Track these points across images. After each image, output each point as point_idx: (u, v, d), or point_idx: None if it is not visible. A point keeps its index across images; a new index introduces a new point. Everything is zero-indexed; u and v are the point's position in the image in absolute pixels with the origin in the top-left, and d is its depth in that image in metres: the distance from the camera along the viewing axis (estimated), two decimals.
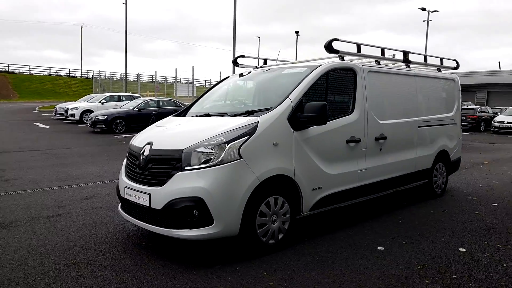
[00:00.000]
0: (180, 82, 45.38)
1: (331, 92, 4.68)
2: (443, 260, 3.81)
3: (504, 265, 3.68)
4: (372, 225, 4.91)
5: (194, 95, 38.68)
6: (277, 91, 4.59)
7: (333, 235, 4.54)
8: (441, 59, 6.69)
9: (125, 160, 4.59)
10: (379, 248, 4.13)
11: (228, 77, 5.82)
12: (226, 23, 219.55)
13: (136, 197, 3.99)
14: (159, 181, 3.81)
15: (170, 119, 4.97)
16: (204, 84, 50.77)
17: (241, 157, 3.70)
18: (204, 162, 3.68)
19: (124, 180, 4.28)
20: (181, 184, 3.65)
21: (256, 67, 6.08)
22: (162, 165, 3.87)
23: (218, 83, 5.77)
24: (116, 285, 3.32)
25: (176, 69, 49.52)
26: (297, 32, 43.23)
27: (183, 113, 5.20)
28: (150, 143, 4.06)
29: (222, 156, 3.66)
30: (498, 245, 4.18)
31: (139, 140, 4.41)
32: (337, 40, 4.76)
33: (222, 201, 3.59)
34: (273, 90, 4.80)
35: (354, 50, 5.00)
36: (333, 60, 4.93)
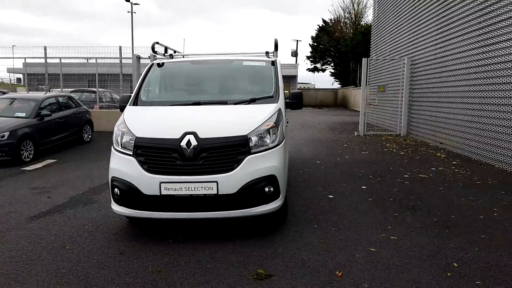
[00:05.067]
0: None
1: None
2: (369, 194, 5.90)
3: (395, 189, 6.17)
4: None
5: None
6: (257, 81, 5.27)
7: None
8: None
9: (124, 156, 4.09)
10: (329, 196, 5.78)
11: (153, 65, 5.60)
12: None
13: (191, 189, 3.88)
14: (226, 168, 3.94)
15: (149, 109, 4.68)
16: None
17: (284, 137, 4.42)
18: (263, 144, 4.13)
19: (151, 176, 3.93)
20: (255, 166, 3.99)
21: (164, 55, 6.13)
22: (225, 152, 3.97)
23: (146, 73, 5.43)
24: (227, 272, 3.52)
25: None
26: None
27: (135, 102, 4.91)
28: (192, 133, 3.98)
29: (278, 137, 4.26)
30: (372, 181, 6.70)
31: (160, 132, 4.08)
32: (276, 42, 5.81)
33: (283, 176, 4.24)
34: (251, 80, 5.36)
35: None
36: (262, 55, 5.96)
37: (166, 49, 6.22)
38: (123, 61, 15.23)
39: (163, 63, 5.61)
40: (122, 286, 3.20)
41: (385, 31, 16.76)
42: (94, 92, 15.13)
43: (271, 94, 4.88)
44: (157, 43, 5.95)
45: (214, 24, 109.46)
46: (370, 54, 19.48)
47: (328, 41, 44.92)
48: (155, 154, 4.00)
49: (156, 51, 5.89)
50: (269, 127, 4.21)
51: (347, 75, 41.50)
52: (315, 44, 46.86)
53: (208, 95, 5.11)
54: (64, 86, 14.86)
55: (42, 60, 15.04)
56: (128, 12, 34.87)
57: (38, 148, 9.17)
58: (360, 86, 34.62)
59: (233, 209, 3.96)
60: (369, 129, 14.34)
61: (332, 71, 47.94)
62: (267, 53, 5.96)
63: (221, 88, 5.27)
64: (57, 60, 14.50)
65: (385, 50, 16.71)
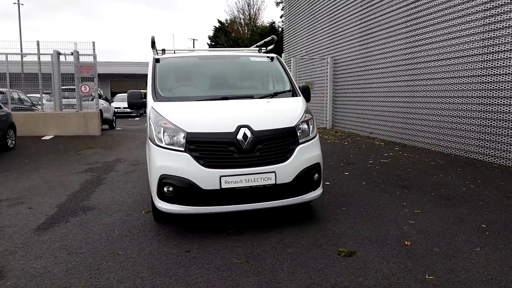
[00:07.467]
0: None
1: None
2: (359, 179, 6.51)
3: (375, 173, 6.88)
4: None
5: None
6: (269, 76, 5.42)
7: None
8: None
9: (173, 152, 3.97)
10: (327, 183, 6.23)
11: (157, 60, 5.27)
12: None
13: (251, 180, 3.95)
14: (282, 158, 4.10)
15: (182, 104, 4.48)
16: None
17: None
18: (306, 135, 4.38)
19: (210, 170, 3.90)
20: (306, 155, 4.23)
21: (162, 51, 5.78)
22: (279, 143, 4.11)
23: (154, 68, 5.12)
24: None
25: None
26: None
27: (156, 98, 4.64)
28: (246, 126, 4.04)
29: (315, 128, 4.56)
30: (348, 168, 7.34)
31: (213, 126, 4.03)
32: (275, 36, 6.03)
33: (322, 164, 4.56)
34: (263, 75, 5.45)
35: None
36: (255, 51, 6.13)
37: (153, 43, 5.93)
38: (27, 58, 13.65)
39: (167, 58, 5.36)
40: (227, 279, 3.16)
41: (300, 32, 17.93)
42: (1, 92, 13.29)
43: (289, 89, 5.12)
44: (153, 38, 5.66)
45: (85, 20, 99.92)
46: (283, 53, 20.59)
47: (226, 40, 45.77)
48: (211, 148, 3.95)
49: (155, 47, 5.60)
50: (307, 118, 4.47)
51: None
52: (213, 43, 47.28)
53: (230, 90, 5.10)
54: None
55: None
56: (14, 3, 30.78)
57: None
58: None
59: (289, 197, 4.13)
60: None
61: None
62: (259, 49, 6.14)
63: (241, 83, 5.31)
64: None
65: (300, 50, 17.88)
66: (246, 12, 49.30)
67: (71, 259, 3.62)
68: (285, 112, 4.50)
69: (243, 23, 48.07)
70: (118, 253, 3.74)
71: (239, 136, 3.97)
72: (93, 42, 12.57)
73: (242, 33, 47.01)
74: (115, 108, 22.09)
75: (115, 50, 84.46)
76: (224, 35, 46.01)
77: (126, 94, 20.03)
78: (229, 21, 48.79)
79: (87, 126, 13.10)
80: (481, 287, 2.97)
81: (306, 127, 4.38)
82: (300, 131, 4.28)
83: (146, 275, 3.27)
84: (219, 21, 48.30)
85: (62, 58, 13.13)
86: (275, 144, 4.10)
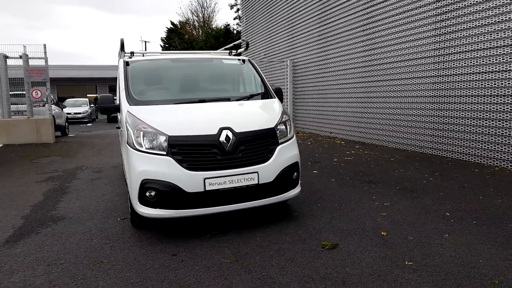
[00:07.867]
0: None
1: None
2: (328, 176, 6.75)
3: (341, 170, 7.17)
4: None
5: None
6: (242, 78, 5.51)
7: None
8: None
9: (155, 156, 3.96)
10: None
11: (127, 63, 5.18)
12: None
13: (235, 181, 4.02)
14: (263, 158, 4.20)
15: (160, 107, 4.45)
16: None
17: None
18: (284, 135, 4.52)
19: (194, 173, 3.92)
20: (285, 155, 4.37)
21: (131, 53, 5.69)
22: (260, 144, 4.21)
23: (126, 72, 5.04)
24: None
25: None
26: None
27: (131, 102, 4.58)
28: (228, 128, 4.11)
29: (292, 128, 4.71)
30: (316, 166, 7.58)
31: (195, 129, 4.05)
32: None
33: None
34: (237, 77, 5.51)
35: None
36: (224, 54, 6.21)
37: (122, 46, 5.82)
38: None
39: (139, 61, 5.30)
40: (220, 279, 3.21)
41: (258, 35, 18.17)
42: None
43: (264, 91, 5.24)
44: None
45: (27, 22, 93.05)
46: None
47: (180, 42, 45.25)
48: (194, 151, 3.98)
49: (124, 49, 5.51)
50: (285, 119, 4.61)
51: None
52: (166, 45, 46.60)
53: (206, 92, 5.13)
54: None
55: None
56: None
57: None
58: None
59: (271, 196, 4.24)
60: None
61: None
62: (230, 52, 6.21)
63: (216, 86, 5.36)
64: None
65: (259, 53, 18.12)
66: (200, 14, 49.01)
67: (52, 270, 3.51)
68: (264, 113, 4.62)
69: (196, 25, 47.76)
70: (102, 261, 3.66)
71: (222, 138, 4.03)
72: (44, 45, 12.01)
73: (196, 35, 46.66)
74: (66, 113, 21.14)
75: (64, 53, 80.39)
76: (177, 37, 45.41)
77: (76, 99, 19.63)
78: (181, 23, 48.24)
79: (39, 133, 12.48)
80: (456, 268, 3.24)
81: (284, 127, 4.52)
82: (279, 131, 4.41)
83: (136, 281, 3.25)
84: (172, 23, 47.69)
85: (10, 62, 12.43)
86: (257, 145, 4.20)
